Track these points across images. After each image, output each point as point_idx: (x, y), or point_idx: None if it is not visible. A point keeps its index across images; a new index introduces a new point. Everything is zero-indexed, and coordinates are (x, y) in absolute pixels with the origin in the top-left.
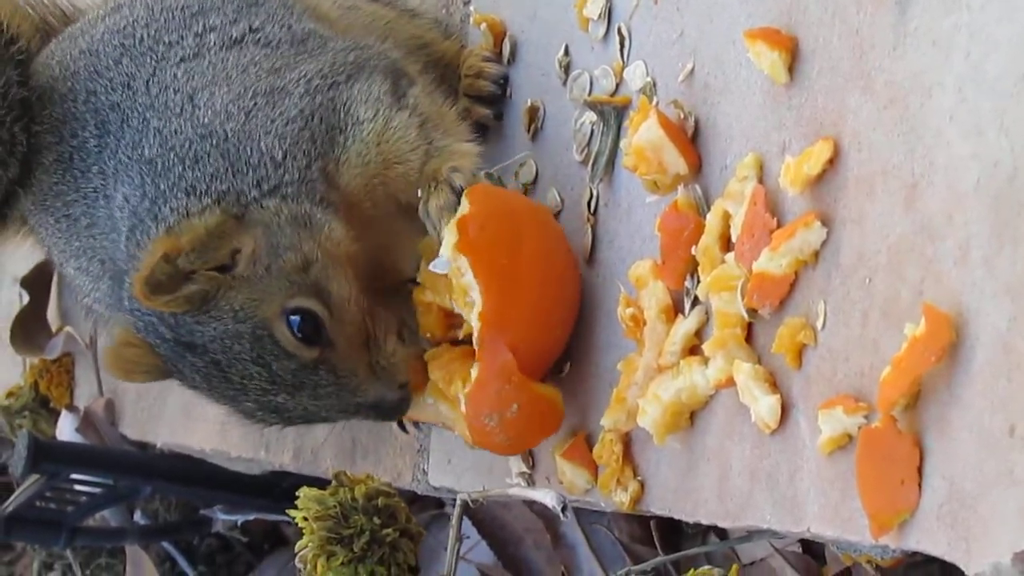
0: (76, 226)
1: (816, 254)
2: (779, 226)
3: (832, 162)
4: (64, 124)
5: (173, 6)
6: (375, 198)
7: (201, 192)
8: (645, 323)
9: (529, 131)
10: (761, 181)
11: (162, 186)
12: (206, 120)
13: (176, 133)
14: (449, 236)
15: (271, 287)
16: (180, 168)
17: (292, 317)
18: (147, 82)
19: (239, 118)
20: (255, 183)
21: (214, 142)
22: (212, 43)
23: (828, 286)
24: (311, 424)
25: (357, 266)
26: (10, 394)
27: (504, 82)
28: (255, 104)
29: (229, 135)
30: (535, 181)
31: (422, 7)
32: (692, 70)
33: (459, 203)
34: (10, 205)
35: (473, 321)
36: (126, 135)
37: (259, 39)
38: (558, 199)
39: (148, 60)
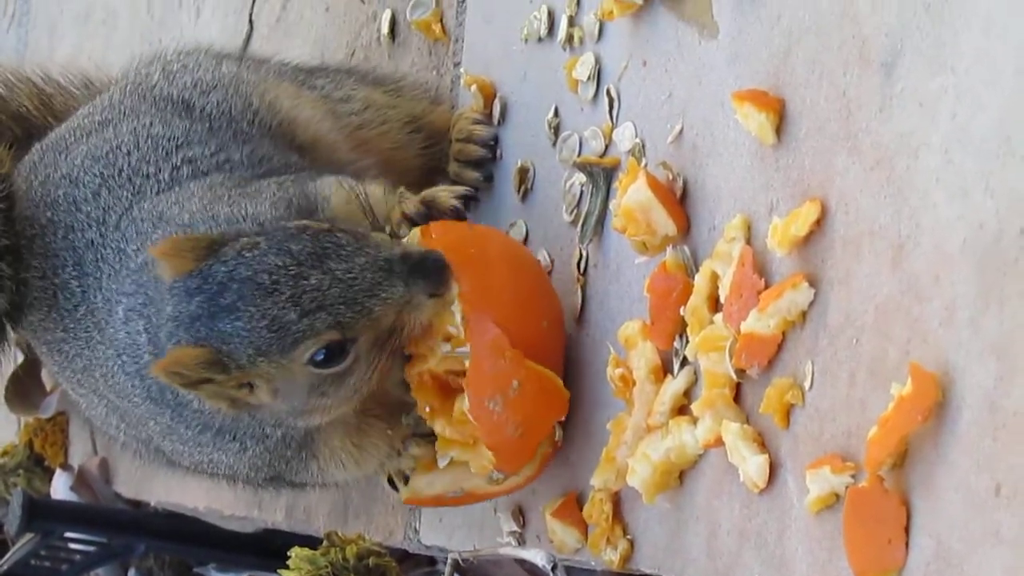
0: (72, 364)
1: (804, 315)
2: (767, 287)
3: (819, 223)
4: (45, 259)
5: (159, 135)
6: None
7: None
8: (634, 383)
9: (519, 192)
10: (749, 242)
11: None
12: (185, 220)
13: (161, 238)
14: (415, 238)
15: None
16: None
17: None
18: (120, 217)
19: (223, 211)
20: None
21: (207, 224)
22: (184, 176)
23: (816, 346)
24: (361, 312)
25: None
26: (4, 453)
27: (494, 143)
28: (233, 202)
29: (220, 215)
30: (525, 241)
31: (408, 76)
32: (680, 131)
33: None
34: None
35: (455, 310)
36: (104, 270)
37: (222, 167)
38: (548, 259)
39: (125, 194)
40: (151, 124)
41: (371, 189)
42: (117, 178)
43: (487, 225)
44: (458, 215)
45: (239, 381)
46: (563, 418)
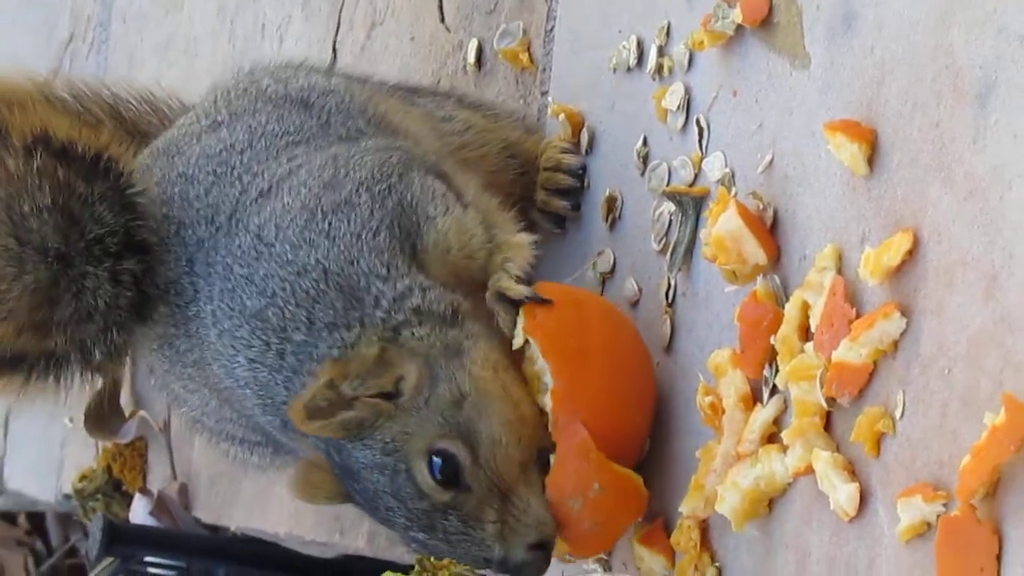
0: (183, 359)
1: (895, 344)
2: (858, 316)
3: (911, 253)
4: (158, 253)
5: (274, 132)
6: (463, 286)
7: (342, 325)
8: (724, 411)
9: (607, 221)
10: (840, 272)
11: (297, 337)
12: (289, 255)
13: (268, 278)
14: (520, 320)
15: (424, 421)
16: (303, 313)
17: (435, 458)
18: (229, 218)
19: (322, 243)
20: (375, 303)
21: (315, 276)
22: (283, 175)
23: (907, 376)
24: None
25: (514, 379)
26: (83, 477)
27: (582, 173)
28: (329, 224)
29: (330, 267)
30: (613, 271)
31: (500, 105)
32: (771, 161)
33: (518, 288)
34: (125, 334)
35: (547, 402)
36: (215, 282)
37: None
38: (636, 288)
39: (233, 192)
40: (267, 121)
41: (470, 228)
42: (228, 176)
43: (594, 295)
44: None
45: None
46: (641, 518)
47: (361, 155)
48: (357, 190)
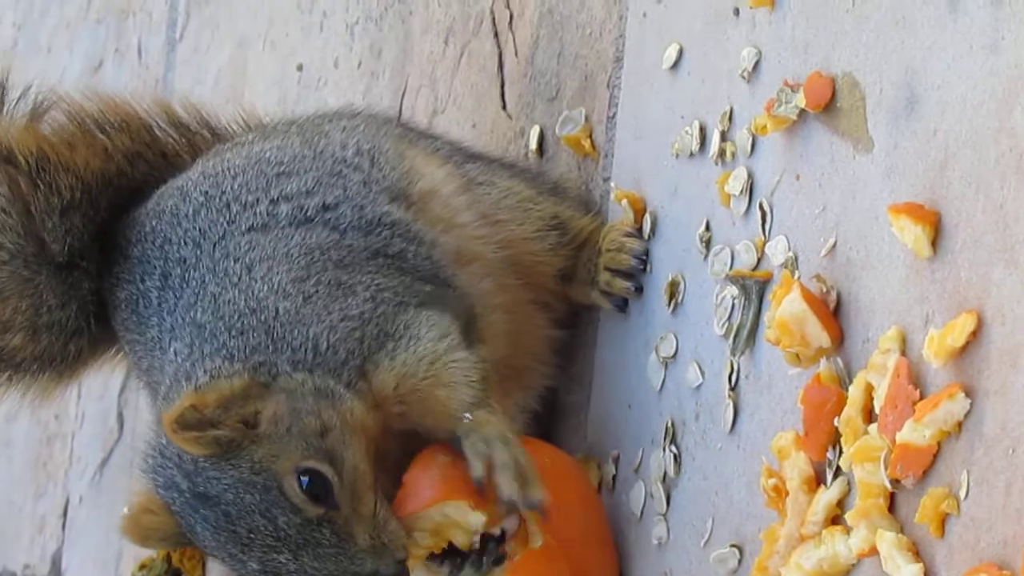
0: (140, 365)
1: (959, 425)
2: (922, 398)
3: (975, 334)
4: (139, 265)
5: (267, 159)
6: (406, 406)
7: (236, 358)
8: (787, 493)
9: (670, 305)
10: (904, 353)
11: (206, 350)
12: (261, 294)
13: (229, 303)
14: None
15: (289, 445)
16: (225, 336)
17: (303, 476)
18: (215, 244)
19: (296, 299)
20: (290, 361)
21: (263, 317)
22: (282, 215)
23: (971, 456)
24: None
25: (373, 440)
26: (143, 566)
27: (645, 257)
28: (316, 292)
29: (280, 313)
30: (675, 355)
31: (565, 185)
32: (834, 245)
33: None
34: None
35: None
36: (184, 294)
37: (328, 219)
38: (699, 373)
39: (221, 220)
40: (266, 150)
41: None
42: (218, 201)
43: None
44: None
45: None
46: None
47: (398, 267)
48: (367, 286)
